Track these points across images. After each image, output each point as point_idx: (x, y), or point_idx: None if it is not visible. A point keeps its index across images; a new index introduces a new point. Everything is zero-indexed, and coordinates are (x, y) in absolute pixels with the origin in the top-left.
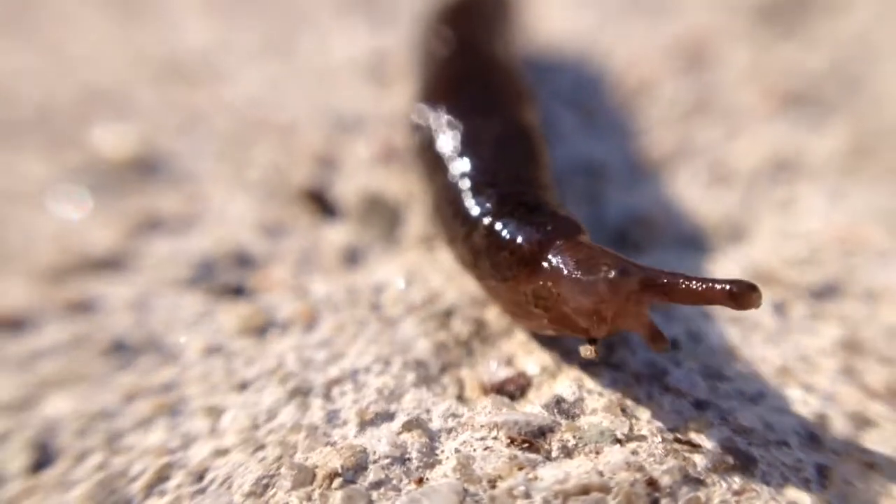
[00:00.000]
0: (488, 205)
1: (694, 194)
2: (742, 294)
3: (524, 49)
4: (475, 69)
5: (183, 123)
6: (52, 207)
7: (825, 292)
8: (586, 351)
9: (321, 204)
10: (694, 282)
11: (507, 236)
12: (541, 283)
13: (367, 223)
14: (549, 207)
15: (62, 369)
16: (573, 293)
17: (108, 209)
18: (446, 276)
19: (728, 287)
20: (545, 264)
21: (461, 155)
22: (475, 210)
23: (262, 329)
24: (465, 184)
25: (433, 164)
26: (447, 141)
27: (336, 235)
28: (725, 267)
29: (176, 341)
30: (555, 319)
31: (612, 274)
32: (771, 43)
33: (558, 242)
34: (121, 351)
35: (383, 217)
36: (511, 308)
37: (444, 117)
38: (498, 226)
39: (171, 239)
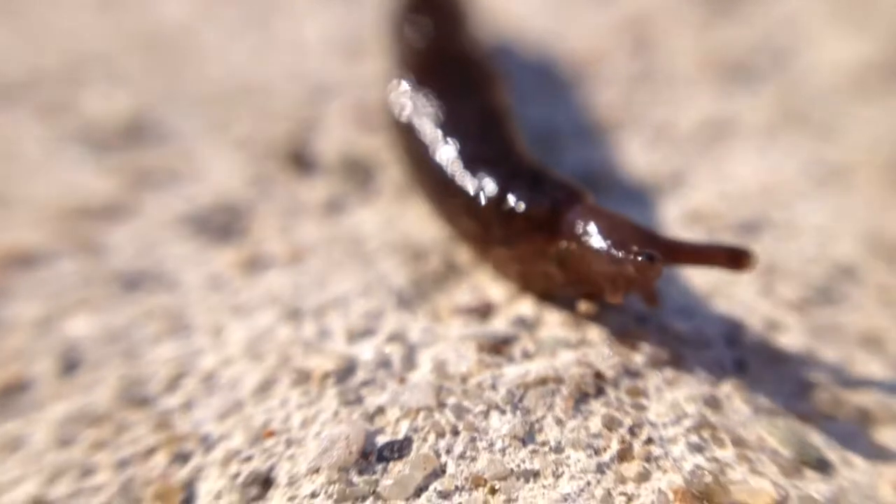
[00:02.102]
0: (491, 177)
1: (640, 151)
2: (739, 257)
3: (486, 29)
4: (451, 53)
5: (168, 90)
6: (52, 165)
7: (750, 227)
8: (586, 307)
9: (301, 161)
10: (701, 249)
11: (522, 204)
12: (565, 244)
13: (345, 178)
14: (551, 174)
15: (77, 296)
16: (601, 262)
17: (105, 166)
18: (421, 222)
19: (728, 251)
20: (568, 227)
21: (449, 133)
22: (479, 183)
23: (253, 265)
24: (460, 160)
25: (420, 143)
26: (433, 120)
27: (316, 188)
28: (667, 209)
29: (176, 275)
30: (571, 279)
31: (641, 259)
32: (710, 21)
33: (577, 207)
34: (127, 282)
35: (359, 172)
36: (521, 270)
37: (427, 98)
38: (509, 196)
39: (166, 192)
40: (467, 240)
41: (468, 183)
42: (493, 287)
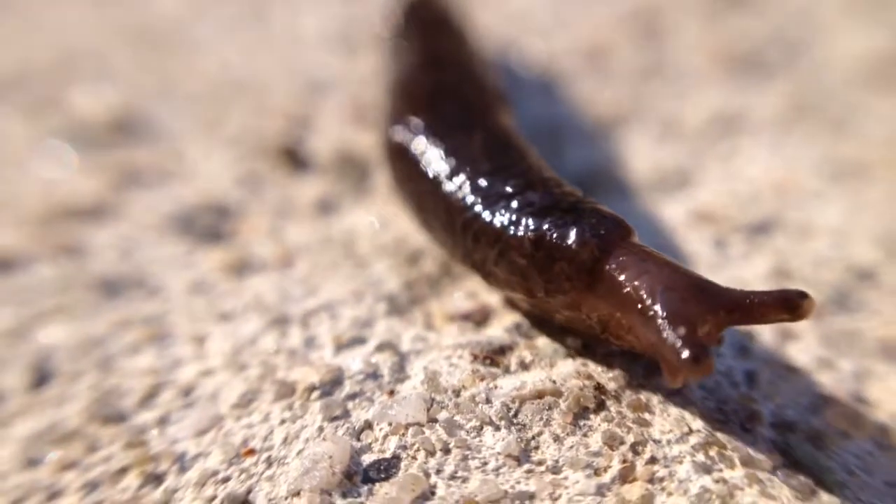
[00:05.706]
0: (518, 216)
1: (646, 147)
2: (793, 301)
3: (485, 25)
4: (447, 80)
5: (159, 86)
6: (36, 164)
7: (761, 229)
8: None
9: (295, 159)
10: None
11: (559, 245)
12: (605, 308)
13: (340, 176)
14: (586, 204)
15: (53, 303)
16: (645, 333)
17: (91, 165)
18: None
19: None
20: (609, 280)
21: (459, 173)
22: (507, 225)
23: (241, 268)
24: (479, 202)
25: (429, 188)
26: (438, 161)
27: (309, 187)
28: (673, 209)
29: (159, 280)
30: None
31: (692, 354)
32: (720, 12)
33: (619, 252)
34: (108, 287)
35: (354, 170)
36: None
37: (427, 137)
38: (548, 235)
39: (152, 191)
40: (509, 292)
41: (488, 226)
42: (490, 292)
